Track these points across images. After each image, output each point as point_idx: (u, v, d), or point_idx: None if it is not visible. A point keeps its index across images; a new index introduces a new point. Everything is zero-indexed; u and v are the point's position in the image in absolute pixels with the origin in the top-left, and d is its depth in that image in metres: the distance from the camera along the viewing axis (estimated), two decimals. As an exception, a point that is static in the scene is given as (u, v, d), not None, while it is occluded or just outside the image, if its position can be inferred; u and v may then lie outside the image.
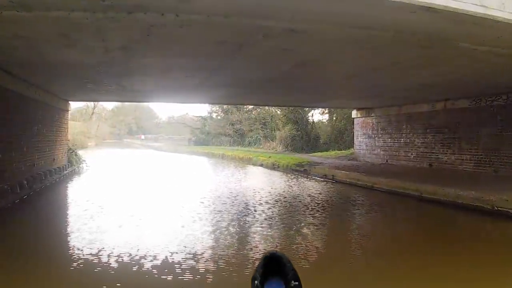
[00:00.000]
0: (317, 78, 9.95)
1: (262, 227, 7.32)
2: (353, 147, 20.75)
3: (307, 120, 29.03)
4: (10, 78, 9.22)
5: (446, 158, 13.94)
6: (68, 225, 7.66)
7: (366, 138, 18.55)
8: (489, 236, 7.26)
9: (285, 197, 10.74)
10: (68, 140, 17.19)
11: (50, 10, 4.54)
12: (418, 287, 4.60)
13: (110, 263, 5.12)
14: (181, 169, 20.89)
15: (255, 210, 8.77)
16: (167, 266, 5.08)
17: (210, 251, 5.77)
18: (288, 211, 8.95)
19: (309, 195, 11.16)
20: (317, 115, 30.20)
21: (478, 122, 12.60)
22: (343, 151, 22.91)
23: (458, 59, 7.10)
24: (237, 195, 11.13)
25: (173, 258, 5.36)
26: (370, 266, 5.36)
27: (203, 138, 42.15)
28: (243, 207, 9.14)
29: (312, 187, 12.90)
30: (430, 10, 4.30)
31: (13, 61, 7.78)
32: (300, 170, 17.08)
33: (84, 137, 38.20)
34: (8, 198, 8.87)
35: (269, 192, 11.62)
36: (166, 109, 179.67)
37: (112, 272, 4.87)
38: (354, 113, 19.38)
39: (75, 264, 5.17)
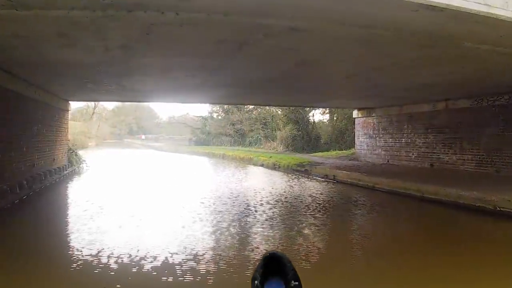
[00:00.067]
0: (317, 78, 9.91)
1: (263, 227, 7.28)
2: (354, 147, 20.73)
3: (308, 120, 29.01)
4: (10, 78, 9.19)
5: (448, 158, 13.89)
6: (68, 225, 7.63)
7: (367, 138, 18.51)
8: (491, 236, 7.21)
9: (286, 198, 10.70)
10: (68, 140, 17.18)
11: (50, 8, 4.51)
12: (420, 288, 4.57)
13: (110, 264, 5.09)
14: (182, 169, 20.86)
15: (256, 211, 8.73)
16: (167, 267, 5.05)
17: (210, 252, 5.73)
18: (289, 212, 8.91)
19: (310, 195, 11.13)
20: (318, 115, 30.25)
21: (480, 122, 12.56)
22: (344, 151, 22.87)
23: (459, 59, 7.06)
24: (238, 195, 11.10)
25: (173, 259, 5.33)
26: (371, 267, 5.32)
27: (204, 138, 42.15)
28: (244, 208, 9.10)
29: (313, 187, 12.86)
30: (432, 8, 4.26)
31: (13, 60, 7.75)
32: (301, 170, 17.04)
33: (85, 137, 38.22)
34: (7, 199, 8.84)
35: (270, 193, 11.58)
36: (166, 109, 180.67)
37: (112, 273, 4.84)
38: (355, 113, 19.35)
39: (75, 265, 5.15)
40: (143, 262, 5.18)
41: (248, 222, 7.69)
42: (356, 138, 19.76)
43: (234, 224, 7.52)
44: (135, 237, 6.44)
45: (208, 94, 13.83)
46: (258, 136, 33.67)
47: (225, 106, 37.13)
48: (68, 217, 8.52)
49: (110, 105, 66.17)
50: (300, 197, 11.01)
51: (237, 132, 36.88)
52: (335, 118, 27.97)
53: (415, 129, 15.44)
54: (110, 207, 9.00)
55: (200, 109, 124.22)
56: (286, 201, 10.14)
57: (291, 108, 27.19)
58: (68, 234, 6.91)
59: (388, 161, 16.88)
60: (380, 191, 11.43)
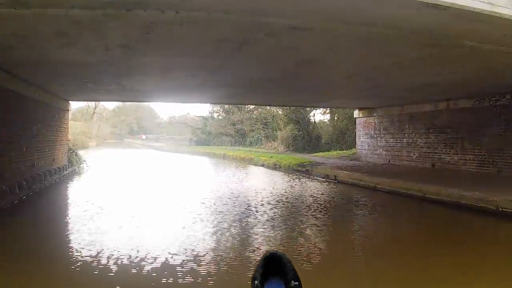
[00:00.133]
0: (318, 78, 9.88)
1: (264, 228, 7.25)
2: (355, 147, 20.69)
3: (309, 120, 28.98)
4: (10, 78, 9.17)
5: (449, 158, 13.85)
6: (68, 226, 7.58)
7: (368, 138, 18.47)
8: (493, 237, 7.18)
9: (287, 198, 10.66)
10: (69, 140, 17.16)
11: (48, 7, 4.49)
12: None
13: (110, 265, 5.06)
14: (182, 169, 20.84)
15: (257, 211, 8.69)
16: (167, 268, 5.01)
17: (211, 253, 5.70)
18: (290, 212, 8.88)
19: (311, 196, 11.09)
20: (319, 115, 30.23)
21: (482, 122, 12.52)
22: (345, 151, 22.81)
23: (460, 58, 7.02)
24: (239, 195, 11.07)
25: (174, 260, 5.29)
26: (371, 267, 5.28)
27: (204, 138, 42.16)
28: (245, 208, 9.06)
29: (314, 188, 12.82)
30: (436, 7, 4.22)
31: (13, 60, 7.72)
32: (301, 170, 17.00)
33: (85, 137, 38.25)
34: (7, 199, 8.81)
35: (271, 193, 11.55)
36: (167, 109, 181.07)
37: (112, 273, 4.81)
38: (356, 113, 19.31)
39: (75, 265, 5.11)
40: (143, 263, 5.15)
41: (249, 223, 7.65)
42: (357, 138, 19.72)
43: (235, 224, 7.48)
44: (135, 237, 6.40)
45: (208, 94, 13.81)
46: (258, 136, 33.64)
47: (226, 106, 37.14)
48: (68, 217, 8.48)
49: (110, 105, 66.45)
50: (301, 197, 10.97)
51: (237, 132, 36.87)
52: (336, 118, 27.92)
53: (416, 129, 15.40)
54: (110, 207, 8.97)
55: (201, 109, 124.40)
56: (287, 202, 10.11)
57: (291, 108, 27.17)
58: (68, 234, 6.87)
59: (389, 161, 16.84)
60: (381, 191, 11.39)
